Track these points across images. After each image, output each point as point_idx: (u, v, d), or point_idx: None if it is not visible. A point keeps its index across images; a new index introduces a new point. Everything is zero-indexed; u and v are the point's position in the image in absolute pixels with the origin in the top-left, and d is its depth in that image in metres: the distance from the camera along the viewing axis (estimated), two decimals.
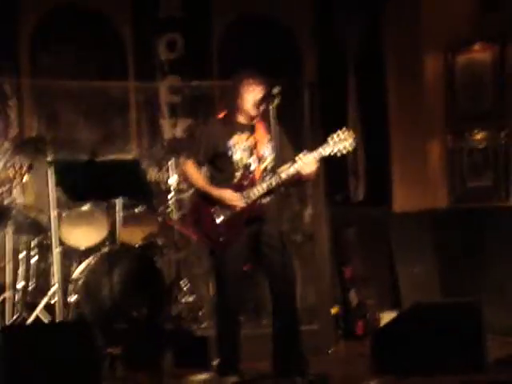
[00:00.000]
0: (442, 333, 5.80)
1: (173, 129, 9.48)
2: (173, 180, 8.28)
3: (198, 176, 6.31)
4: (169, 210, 8.25)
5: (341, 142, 6.13)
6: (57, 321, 7.40)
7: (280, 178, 6.05)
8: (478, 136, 9.76)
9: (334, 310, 8.65)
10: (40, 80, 9.08)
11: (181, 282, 8.12)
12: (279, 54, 9.69)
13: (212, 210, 6.18)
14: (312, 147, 6.22)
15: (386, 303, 9.46)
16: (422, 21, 10.13)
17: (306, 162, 6.08)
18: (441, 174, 10.17)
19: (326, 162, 6.26)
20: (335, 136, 6.15)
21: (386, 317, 8.76)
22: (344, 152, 6.17)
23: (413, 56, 10.28)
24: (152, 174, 8.21)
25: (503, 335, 7.54)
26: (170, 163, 8.38)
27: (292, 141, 6.47)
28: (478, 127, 9.75)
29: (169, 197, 8.26)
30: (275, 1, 9.88)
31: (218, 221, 6.16)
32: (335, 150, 6.13)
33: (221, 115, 6.54)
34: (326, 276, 8.35)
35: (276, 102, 6.07)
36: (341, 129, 6.21)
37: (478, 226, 9.42)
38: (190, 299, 8.18)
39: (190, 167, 6.33)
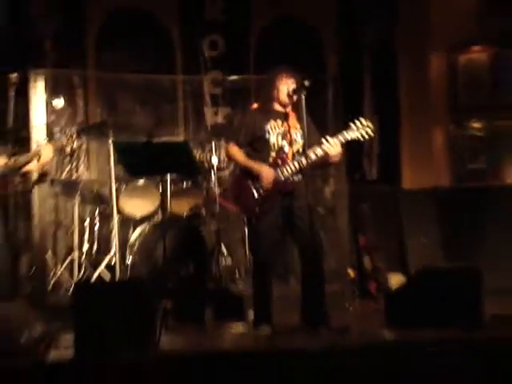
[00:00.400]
0: (445, 294, 5.79)
1: (214, 116, 9.51)
2: (214, 160, 8.30)
3: (240, 154, 6.31)
4: (211, 185, 8.27)
5: (363, 129, 6.16)
6: (116, 279, 7.48)
7: (310, 158, 6.07)
8: (476, 125, 9.78)
9: (350, 273, 8.64)
10: (103, 73, 9.18)
11: (220, 248, 8.12)
12: (307, 51, 9.76)
13: (250, 185, 6.20)
14: (335, 133, 6.23)
15: (394, 268, 9.44)
16: (429, 25, 10.12)
17: (332, 145, 6.09)
18: (444, 158, 10.15)
19: (345, 146, 6.23)
20: (358, 123, 6.18)
21: (394, 278, 8.80)
22: (365, 137, 6.19)
23: (421, 55, 10.25)
24: (196, 154, 8.16)
25: (498, 295, 7.54)
26: (212, 145, 8.40)
27: (318, 127, 6.45)
28: (476, 118, 9.76)
29: (211, 174, 8.28)
30: (304, 5, 9.86)
31: (256, 194, 6.18)
32: (358, 135, 6.16)
33: (255, 105, 6.59)
34: (345, 244, 8.35)
35: (305, 93, 6.10)
36: (362, 117, 6.24)
37: (476, 202, 9.42)
38: (228, 262, 8.22)
39: (233, 148, 6.35)
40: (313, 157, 6.08)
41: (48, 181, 8.02)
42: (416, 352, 5.19)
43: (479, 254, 8.77)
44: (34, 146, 6.79)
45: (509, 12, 9.28)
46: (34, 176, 7.36)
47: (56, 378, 4.73)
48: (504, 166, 9.59)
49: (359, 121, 6.19)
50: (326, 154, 6.11)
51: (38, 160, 6.36)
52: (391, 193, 10.09)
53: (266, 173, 6.14)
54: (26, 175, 7.36)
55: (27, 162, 6.26)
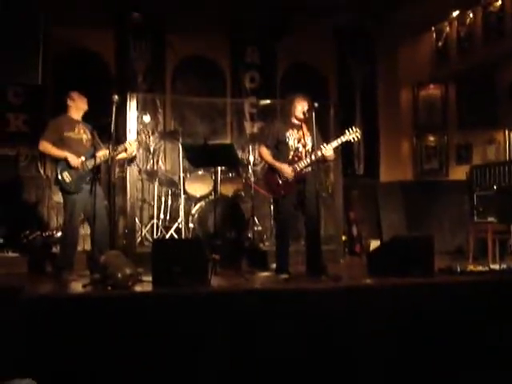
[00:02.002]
0: (408, 253, 5.70)
1: (251, 128, 9.48)
2: (251, 158, 8.26)
3: (268, 155, 6.24)
4: (248, 175, 8.21)
5: (353, 134, 6.11)
6: (182, 238, 7.45)
7: (315, 156, 6.02)
8: (431, 139, 9.72)
9: (343, 238, 8.57)
10: (176, 96, 9.20)
11: (253, 218, 8.06)
12: (316, 85, 9.75)
13: (276, 176, 6.14)
14: (336, 139, 6.21)
15: (373, 235, 9.41)
16: (400, 68, 10.07)
17: (326, 150, 6.06)
18: (408, 160, 10.11)
19: (341, 149, 6.16)
20: (349, 130, 6.14)
21: (373, 243, 8.77)
22: (355, 140, 6.18)
23: (394, 89, 10.20)
24: (239, 153, 8.12)
25: (442, 253, 7.51)
26: (249, 148, 8.38)
27: (322, 136, 6.38)
28: (431, 134, 9.70)
29: (248, 168, 8.22)
30: (315, 53, 9.88)
31: (280, 182, 6.12)
32: (350, 138, 6.13)
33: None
34: (339, 217, 8.27)
35: (314, 112, 6.03)
36: (352, 127, 6.21)
37: (429, 191, 9.36)
38: (259, 228, 8.18)
39: (263, 149, 6.29)
40: (315, 156, 6.03)
41: (137, 169, 8.04)
42: (389, 292, 5.13)
43: (431, 226, 8.72)
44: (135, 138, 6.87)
45: (453, 60, 9.23)
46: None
47: (139, 304, 4.71)
48: (449, 167, 9.52)
49: (351, 128, 6.17)
50: (323, 155, 6.08)
51: (126, 151, 6.37)
52: (372, 184, 10.06)
53: (286, 169, 6.09)
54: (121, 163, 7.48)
55: (120, 152, 6.29)
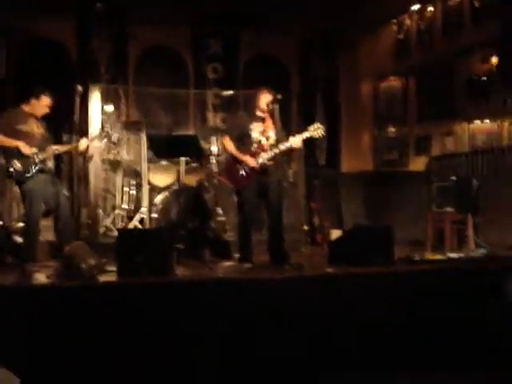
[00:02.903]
0: (368, 243, 5.78)
1: (214, 119, 9.48)
2: (214, 149, 8.25)
3: (232, 146, 6.26)
4: (211, 166, 8.23)
5: (316, 130, 6.13)
6: (145, 228, 7.46)
7: (279, 149, 6.07)
8: (391, 130, 9.84)
9: (304, 228, 8.65)
10: (139, 87, 9.17)
11: (217, 208, 8.09)
12: (279, 77, 9.79)
13: (239, 167, 6.17)
14: (297, 132, 6.21)
15: (334, 225, 9.49)
16: (361, 62, 10.17)
17: (296, 140, 6.07)
18: (369, 151, 10.23)
19: (304, 141, 6.21)
20: (313, 126, 6.15)
21: (334, 232, 8.83)
22: (319, 136, 6.17)
23: (355, 80, 10.31)
24: (202, 144, 8.11)
25: (402, 243, 7.62)
26: (212, 138, 8.33)
27: (285, 128, 6.43)
28: (391, 125, 9.83)
29: (211, 159, 8.23)
30: (277, 45, 9.92)
31: (242, 173, 6.15)
32: (313, 134, 6.13)
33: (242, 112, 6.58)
34: (301, 207, 8.36)
35: (277, 104, 6.10)
36: (316, 122, 6.23)
37: (389, 182, 9.50)
38: (222, 218, 8.20)
39: (227, 141, 6.31)
40: (282, 148, 6.07)
41: (100, 160, 8.01)
42: (349, 281, 5.23)
43: (391, 216, 8.84)
44: (91, 136, 6.84)
45: (414, 53, 9.36)
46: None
47: (104, 295, 4.73)
48: (409, 158, 9.65)
49: (313, 125, 6.17)
50: (291, 147, 6.09)
51: (76, 149, 6.44)
52: (334, 174, 10.16)
53: (249, 160, 6.12)
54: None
55: (71, 150, 6.46)
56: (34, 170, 6.17)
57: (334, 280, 5.29)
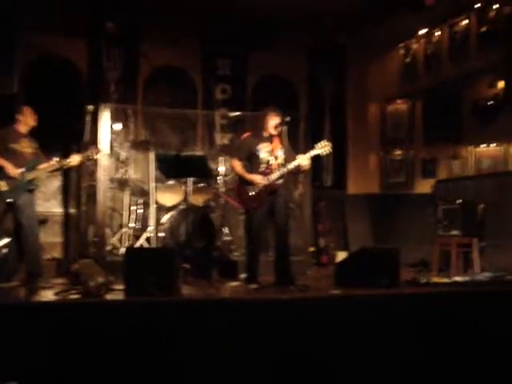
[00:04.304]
0: (374, 265, 5.80)
1: (222, 139, 9.51)
2: (221, 169, 8.28)
3: (240, 167, 6.30)
4: (218, 186, 8.25)
5: (323, 148, 6.18)
6: (152, 247, 7.47)
7: (287, 169, 6.11)
8: (397, 153, 9.83)
9: (310, 249, 8.65)
10: (148, 107, 9.21)
11: (223, 229, 8.10)
12: (287, 98, 9.84)
13: (247, 188, 6.19)
14: (305, 152, 6.25)
15: (340, 247, 9.50)
16: (368, 85, 10.21)
17: (303, 159, 6.11)
18: (376, 173, 10.21)
19: (312, 159, 6.23)
20: (321, 143, 6.21)
21: (340, 254, 8.84)
22: (325, 153, 6.25)
23: (362, 103, 10.34)
24: (209, 164, 8.13)
25: (408, 266, 7.61)
26: (220, 159, 8.37)
27: (293, 148, 6.47)
28: (398, 148, 9.82)
29: (218, 179, 8.25)
30: (284, 66, 9.96)
31: (251, 194, 6.17)
32: (320, 152, 6.19)
33: (248, 133, 6.59)
34: (307, 229, 8.36)
35: (286, 125, 6.15)
36: (323, 140, 6.28)
37: (395, 204, 9.49)
38: (228, 238, 8.20)
39: (236, 162, 6.35)
40: (290, 167, 6.10)
41: (108, 178, 8.04)
42: (354, 303, 5.22)
43: (397, 239, 8.83)
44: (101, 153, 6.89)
45: (421, 77, 9.39)
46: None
47: (111, 313, 4.74)
48: (415, 180, 9.64)
49: (321, 143, 6.23)
50: (299, 165, 6.12)
51: (68, 165, 6.56)
52: (340, 196, 10.16)
53: (257, 180, 6.14)
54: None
55: (64, 165, 6.55)
56: (18, 195, 6.27)
57: (340, 302, 5.29)
